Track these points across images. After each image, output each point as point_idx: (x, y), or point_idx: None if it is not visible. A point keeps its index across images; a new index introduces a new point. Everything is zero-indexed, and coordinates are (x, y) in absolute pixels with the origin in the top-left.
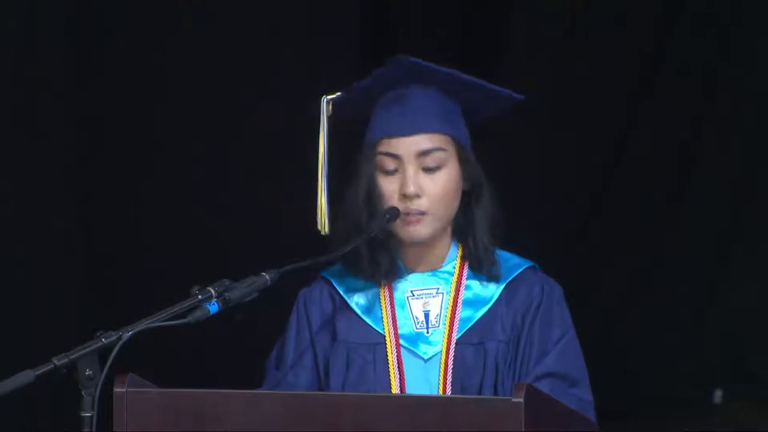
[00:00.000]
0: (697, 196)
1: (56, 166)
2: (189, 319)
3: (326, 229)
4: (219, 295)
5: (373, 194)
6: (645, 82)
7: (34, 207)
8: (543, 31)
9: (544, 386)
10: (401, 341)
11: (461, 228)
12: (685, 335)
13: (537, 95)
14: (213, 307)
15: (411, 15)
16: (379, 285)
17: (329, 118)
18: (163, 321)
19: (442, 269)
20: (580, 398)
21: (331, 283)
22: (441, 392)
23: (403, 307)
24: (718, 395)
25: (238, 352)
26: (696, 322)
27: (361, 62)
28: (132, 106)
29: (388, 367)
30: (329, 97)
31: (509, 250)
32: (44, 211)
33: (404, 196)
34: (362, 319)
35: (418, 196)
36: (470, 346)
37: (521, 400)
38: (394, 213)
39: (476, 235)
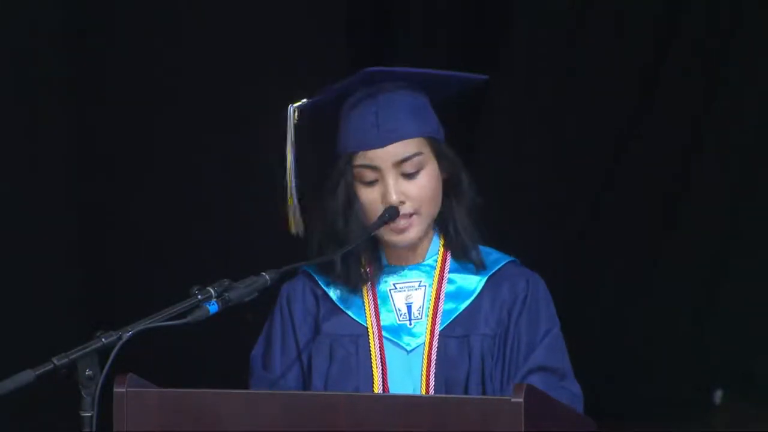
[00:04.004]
0: (697, 197)
1: (56, 167)
2: (189, 319)
3: (300, 231)
4: (219, 295)
5: (352, 205)
6: (645, 84)
7: (34, 208)
8: (543, 31)
9: (536, 380)
10: (384, 333)
11: (442, 217)
12: (685, 336)
13: (537, 96)
14: (213, 307)
15: (411, 15)
16: (355, 288)
17: (296, 125)
18: (163, 321)
19: (424, 262)
20: (571, 392)
21: (313, 278)
22: (424, 383)
23: (385, 299)
24: (718, 395)
25: (238, 352)
26: (696, 322)
27: (359, 63)
28: (132, 111)
29: (371, 359)
30: (295, 104)
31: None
32: (44, 211)
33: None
34: (344, 311)
35: (402, 202)
36: (454, 339)
37: (521, 400)
38: (394, 213)
39: (457, 222)
